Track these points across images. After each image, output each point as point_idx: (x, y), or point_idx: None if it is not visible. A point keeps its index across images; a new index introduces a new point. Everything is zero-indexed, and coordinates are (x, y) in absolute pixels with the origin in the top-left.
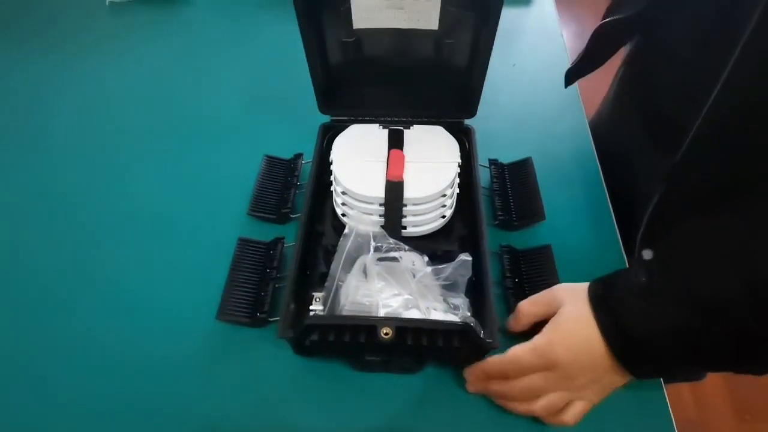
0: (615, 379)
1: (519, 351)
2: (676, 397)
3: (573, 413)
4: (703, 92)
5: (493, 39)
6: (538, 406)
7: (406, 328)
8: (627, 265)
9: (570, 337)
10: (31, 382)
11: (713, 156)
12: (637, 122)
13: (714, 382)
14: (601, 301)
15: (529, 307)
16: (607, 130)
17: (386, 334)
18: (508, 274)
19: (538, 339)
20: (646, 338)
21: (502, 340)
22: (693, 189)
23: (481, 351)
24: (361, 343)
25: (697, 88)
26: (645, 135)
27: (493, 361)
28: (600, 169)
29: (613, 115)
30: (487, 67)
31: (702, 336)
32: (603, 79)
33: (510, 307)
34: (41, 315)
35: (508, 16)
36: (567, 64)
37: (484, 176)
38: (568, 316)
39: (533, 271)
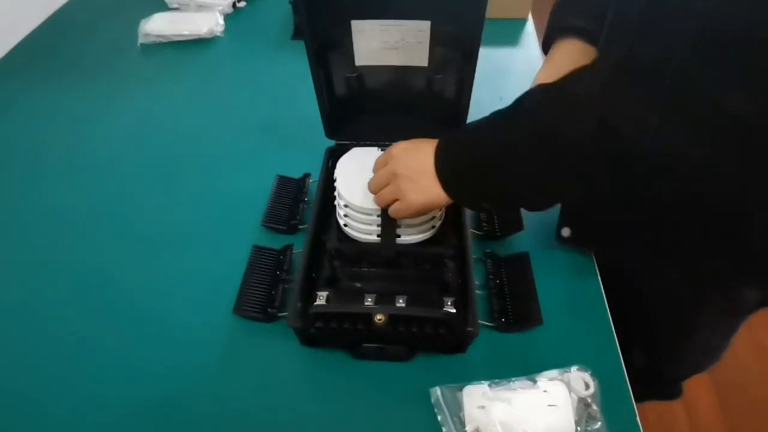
0: (431, 185)
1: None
2: (671, 416)
3: (393, 207)
4: None
5: (474, 74)
6: (377, 196)
7: (398, 316)
8: (597, 270)
9: (410, 143)
10: (65, 384)
11: None
12: None
13: (708, 401)
14: (445, 137)
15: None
16: None
17: (380, 319)
18: (491, 277)
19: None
20: (463, 147)
21: (483, 332)
22: None
23: (462, 338)
24: (359, 331)
25: None
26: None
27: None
28: None
29: None
30: (470, 98)
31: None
32: None
33: (492, 307)
34: (78, 317)
35: (496, 55)
36: None
37: None
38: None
39: (513, 275)
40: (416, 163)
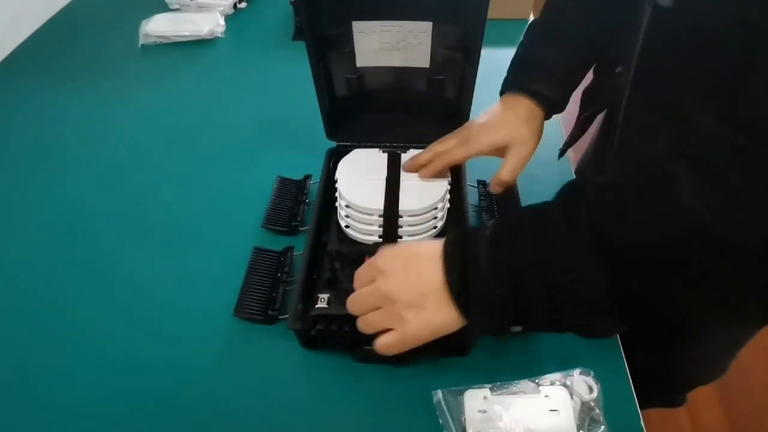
0: (441, 309)
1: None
2: (673, 422)
3: (381, 340)
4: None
5: (476, 75)
6: (361, 320)
7: None
8: None
9: (400, 251)
10: (65, 380)
11: None
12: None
13: (711, 404)
14: (453, 238)
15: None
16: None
17: None
18: None
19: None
20: (485, 278)
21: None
22: None
23: (463, 341)
24: (360, 334)
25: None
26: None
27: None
28: None
29: (595, 151)
30: (472, 99)
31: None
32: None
33: None
34: (75, 317)
35: (496, 56)
36: None
37: (472, 195)
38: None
39: None
40: (416, 282)
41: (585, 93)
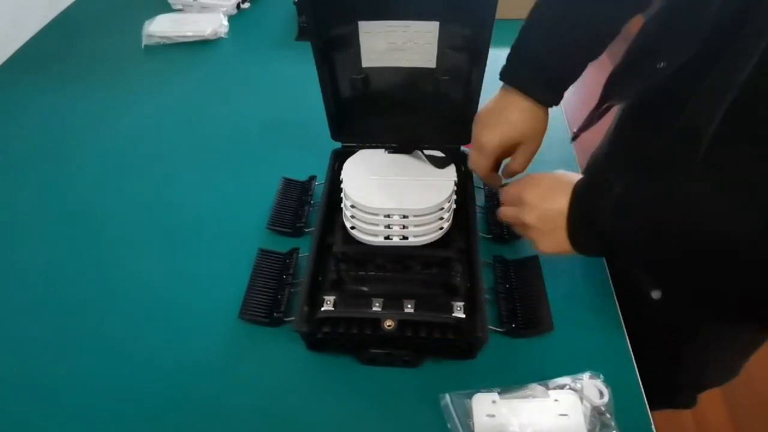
0: (563, 241)
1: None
2: (678, 422)
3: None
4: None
5: (483, 75)
6: (503, 212)
7: (406, 321)
8: (608, 274)
9: (544, 188)
10: (72, 379)
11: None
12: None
13: (717, 403)
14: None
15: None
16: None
17: (389, 325)
18: (500, 281)
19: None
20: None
21: (492, 337)
22: None
23: (472, 344)
24: (367, 336)
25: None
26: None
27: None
28: None
29: (608, 150)
30: (479, 100)
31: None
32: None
33: (501, 312)
34: (82, 318)
35: (500, 56)
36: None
37: (479, 196)
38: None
39: (522, 279)
40: (550, 218)
41: (608, 82)
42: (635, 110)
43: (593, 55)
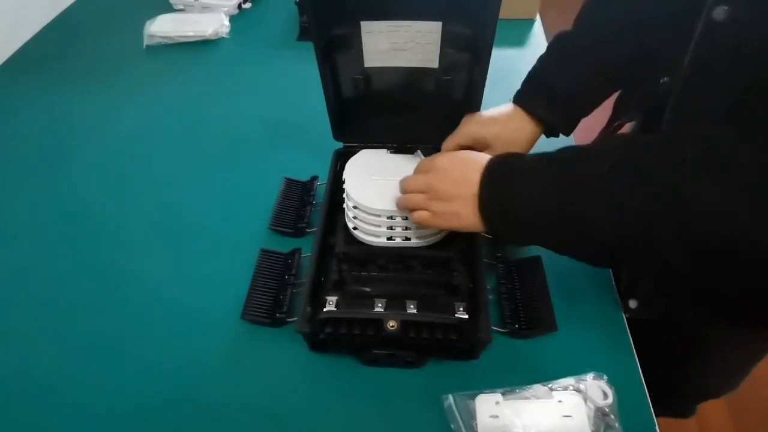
0: (466, 212)
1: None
2: (680, 427)
3: (419, 214)
4: None
5: (485, 75)
6: (404, 197)
7: (409, 322)
8: (611, 274)
9: (457, 158)
10: (73, 381)
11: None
12: None
13: (718, 410)
14: (496, 160)
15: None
16: None
17: (392, 326)
18: (503, 281)
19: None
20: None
21: (495, 338)
22: None
23: (475, 345)
24: (369, 337)
25: None
26: None
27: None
28: None
29: None
30: (481, 100)
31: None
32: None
33: (504, 312)
34: (82, 319)
35: (504, 55)
36: None
37: None
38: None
39: (525, 279)
40: (456, 183)
41: (618, 101)
42: (645, 127)
43: (607, 93)
